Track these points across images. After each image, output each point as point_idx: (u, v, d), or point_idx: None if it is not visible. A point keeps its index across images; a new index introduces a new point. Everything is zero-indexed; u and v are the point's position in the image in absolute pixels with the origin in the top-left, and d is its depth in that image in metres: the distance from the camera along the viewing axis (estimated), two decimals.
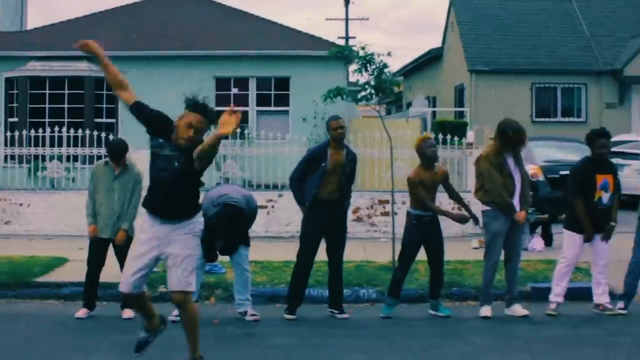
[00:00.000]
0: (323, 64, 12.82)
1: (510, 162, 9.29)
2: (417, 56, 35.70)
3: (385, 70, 11.82)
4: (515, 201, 9.23)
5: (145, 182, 7.18)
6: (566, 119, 27.77)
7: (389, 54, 11.83)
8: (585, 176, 9.39)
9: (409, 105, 32.48)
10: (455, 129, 19.45)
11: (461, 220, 9.40)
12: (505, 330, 8.72)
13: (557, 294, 9.48)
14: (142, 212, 6.89)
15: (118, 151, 9.44)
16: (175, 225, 6.37)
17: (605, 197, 9.35)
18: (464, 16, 30.24)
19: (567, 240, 9.56)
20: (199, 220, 6.56)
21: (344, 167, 9.23)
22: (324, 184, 9.15)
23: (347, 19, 47.52)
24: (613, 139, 21.89)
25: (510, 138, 9.24)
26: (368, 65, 11.74)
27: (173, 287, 6.41)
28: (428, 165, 9.32)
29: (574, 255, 9.49)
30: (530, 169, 15.57)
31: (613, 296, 9.69)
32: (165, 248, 6.38)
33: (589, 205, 9.32)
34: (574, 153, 17.94)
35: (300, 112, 20.56)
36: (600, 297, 9.52)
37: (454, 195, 9.63)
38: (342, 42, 44.79)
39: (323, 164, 9.15)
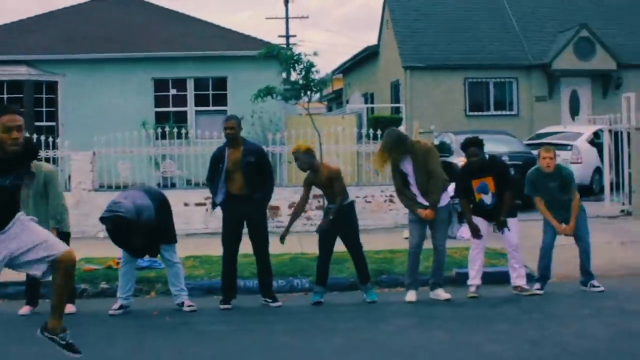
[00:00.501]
0: (259, 64, 13.30)
1: (407, 164, 9.80)
2: (355, 53, 36.30)
3: (313, 69, 12.36)
4: (420, 198, 9.82)
5: None
6: (499, 113, 28.54)
7: (315, 53, 12.42)
8: (463, 182, 10.19)
9: (349, 102, 33.08)
10: (389, 124, 20.07)
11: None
12: (426, 312, 9.31)
13: (472, 277, 10.14)
14: None
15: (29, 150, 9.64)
16: None
17: (487, 198, 10.05)
18: (398, 13, 30.81)
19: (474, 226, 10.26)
20: None
21: (241, 163, 9.68)
22: (230, 182, 9.74)
23: (287, 18, 48.02)
24: (542, 131, 22.90)
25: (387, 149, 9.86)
26: (296, 64, 12.29)
27: None
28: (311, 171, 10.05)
29: (479, 241, 10.14)
30: (460, 160, 16.29)
31: (532, 279, 10.36)
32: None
33: (475, 206, 10.11)
34: (501, 145, 18.77)
35: (237, 111, 20.64)
36: (516, 279, 10.17)
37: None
38: (282, 41, 45.38)
39: (221, 165, 9.76)
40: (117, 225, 9.19)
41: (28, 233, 5.69)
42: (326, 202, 10.43)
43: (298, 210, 10.22)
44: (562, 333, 7.83)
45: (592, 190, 19.61)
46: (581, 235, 10.25)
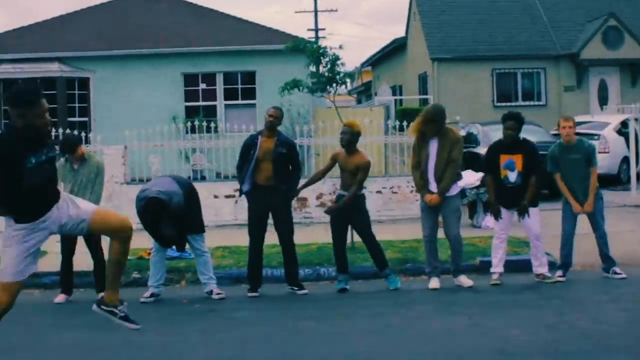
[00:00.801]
0: (286, 58, 13.54)
1: (433, 144, 10.01)
2: (383, 46, 36.48)
3: (338, 62, 12.60)
4: (432, 184, 10.04)
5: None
6: (527, 103, 28.53)
7: (340, 46, 12.65)
8: (491, 156, 10.31)
9: (377, 94, 33.25)
10: (416, 115, 20.23)
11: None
12: (448, 298, 9.52)
13: (495, 265, 10.32)
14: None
15: (69, 144, 10.06)
16: None
17: (512, 175, 10.13)
18: (425, 5, 30.92)
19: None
20: None
21: (272, 153, 9.89)
22: (258, 171, 9.94)
23: (315, 11, 48.33)
24: None
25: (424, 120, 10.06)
26: (321, 58, 12.53)
27: None
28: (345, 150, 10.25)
29: (500, 228, 10.33)
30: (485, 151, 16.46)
31: (554, 267, 10.53)
32: None
33: (497, 183, 10.19)
34: (527, 134, 18.77)
35: (266, 105, 21.05)
36: (538, 268, 10.34)
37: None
38: (311, 35, 45.66)
39: (253, 152, 9.94)
40: (149, 207, 9.44)
41: (72, 202, 5.97)
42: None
43: (315, 177, 10.67)
44: (579, 318, 8.00)
45: (620, 180, 19.66)
46: (597, 221, 10.37)
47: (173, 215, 9.52)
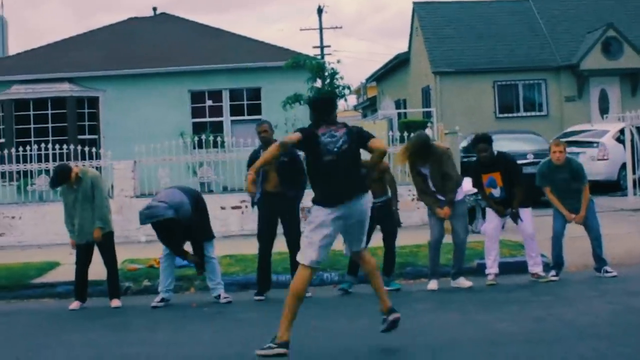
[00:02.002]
0: (290, 74, 14.04)
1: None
2: (387, 61, 36.99)
3: (337, 76, 13.12)
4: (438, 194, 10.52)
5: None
6: (528, 114, 28.99)
7: (338, 61, 13.24)
8: (474, 176, 10.94)
9: (381, 108, 33.74)
10: (418, 127, 20.80)
11: None
12: (445, 298, 9.97)
13: (489, 266, 10.80)
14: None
15: (62, 176, 10.48)
16: None
17: (495, 192, 10.71)
18: (426, 20, 31.45)
19: (487, 217, 10.96)
20: None
21: (275, 163, 10.11)
22: (267, 180, 10.47)
23: (320, 29, 48.80)
24: (570, 129, 23.35)
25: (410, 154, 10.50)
26: (321, 72, 13.06)
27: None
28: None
29: (492, 230, 10.83)
30: None
31: (549, 268, 10.97)
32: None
33: (486, 196, 10.84)
34: (527, 143, 19.36)
35: (271, 119, 21.43)
36: (533, 267, 10.80)
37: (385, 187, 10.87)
38: (317, 52, 46.18)
39: None
40: (160, 226, 10.02)
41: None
42: None
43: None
44: (566, 312, 8.44)
45: (619, 186, 20.03)
46: (590, 223, 10.84)
47: (182, 225, 10.01)
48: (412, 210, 16.06)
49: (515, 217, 10.67)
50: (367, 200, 7.40)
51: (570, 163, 10.83)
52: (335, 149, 7.14)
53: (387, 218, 10.71)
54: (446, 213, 10.40)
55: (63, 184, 10.53)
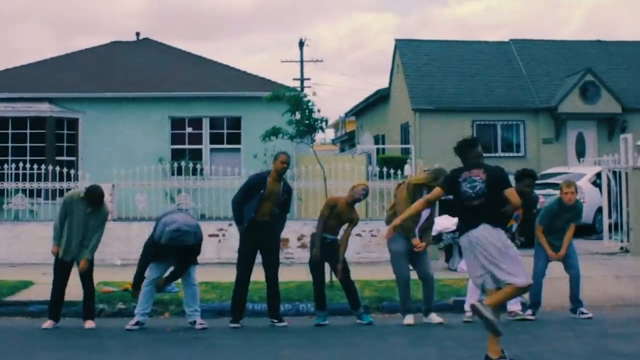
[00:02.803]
0: (270, 105, 14.04)
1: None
2: (367, 96, 37.19)
3: (313, 108, 13.23)
4: (416, 230, 10.53)
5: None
6: (506, 154, 29.19)
7: (314, 93, 13.34)
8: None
9: (359, 142, 33.87)
10: (397, 163, 20.93)
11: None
12: (421, 333, 9.95)
13: (469, 304, 10.72)
14: None
15: (96, 199, 10.43)
16: None
17: (514, 225, 10.64)
18: (408, 57, 31.71)
19: None
20: None
21: (278, 195, 10.55)
22: (260, 208, 10.47)
23: (301, 61, 49.04)
24: (547, 171, 23.53)
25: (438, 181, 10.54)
26: (298, 105, 13.17)
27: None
28: (350, 202, 10.84)
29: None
30: None
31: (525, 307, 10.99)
32: None
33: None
34: None
35: (251, 149, 21.77)
36: (511, 305, 10.80)
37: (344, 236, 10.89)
38: (297, 84, 46.36)
39: (262, 191, 10.45)
40: (186, 252, 10.21)
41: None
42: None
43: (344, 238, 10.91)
44: (543, 351, 8.46)
45: (594, 229, 20.17)
46: (572, 263, 10.93)
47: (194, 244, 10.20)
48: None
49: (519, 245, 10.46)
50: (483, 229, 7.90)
51: (578, 204, 11.06)
52: (473, 195, 7.94)
53: (334, 255, 10.74)
54: (423, 246, 10.49)
55: (94, 206, 10.37)
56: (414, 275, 10.66)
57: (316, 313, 10.83)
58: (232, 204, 10.85)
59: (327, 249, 10.69)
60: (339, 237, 10.88)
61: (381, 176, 17.35)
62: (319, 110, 13.45)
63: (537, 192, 11.74)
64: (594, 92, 29.08)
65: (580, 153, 29.21)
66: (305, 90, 21.43)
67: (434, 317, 10.57)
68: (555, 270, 11.10)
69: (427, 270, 10.61)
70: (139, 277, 10.36)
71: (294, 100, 13.36)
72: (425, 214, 10.48)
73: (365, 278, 12.95)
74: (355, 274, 10.82)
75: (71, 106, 22.77)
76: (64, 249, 10.41)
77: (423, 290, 10.68)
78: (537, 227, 11.03)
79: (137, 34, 29.68)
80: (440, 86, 30.20)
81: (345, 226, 10.88)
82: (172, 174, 18.24)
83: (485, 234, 7.84)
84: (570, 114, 29.04)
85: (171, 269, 10.52)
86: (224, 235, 16.30)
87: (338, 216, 10.75)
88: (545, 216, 11.02)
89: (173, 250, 10.10)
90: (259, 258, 10.73)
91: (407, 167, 18.33)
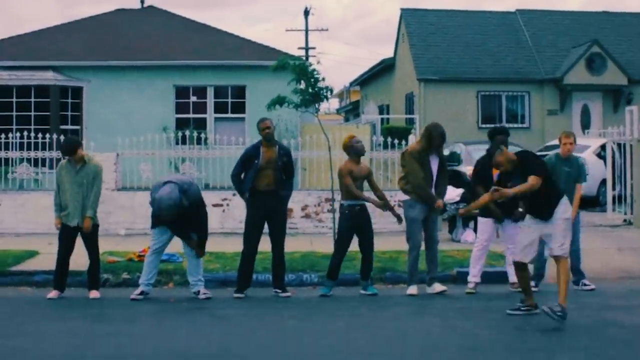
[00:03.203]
0: (274, 74, 13.99)
1: (433, 159, 10.58)
2: (371, 66, 37.06)
3: (318, 76, 13.18)
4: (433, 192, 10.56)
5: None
6: (511, 125, 28.96)
7: (318, 62, 13.27)
8: (482, 169, 10.69)
9: (364, 112, 33.80)
10: (401, 134, 20.89)
11: (381, 206, 10.81)
12: (424, 303, 10.01)
13: (473, 275, 10.80)
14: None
15: (69, 148, 10.50)
16: None
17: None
18: (413, 27, 31.54)
19: (480, 227, 10.92)
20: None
21: (276, 161, 10.49)
22: (260, 178, 10.48)
23: (306, 30, 48.85)
24: (551, 143, 23.49)
25: (433, 138, 10.53)
26: (303, 74, 13.13)
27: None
28: (356, 158, 10.69)
29: (485, 240, 10.80)
30: (468, 169, 17.03)
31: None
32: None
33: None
34: None
35: (255, 119, 21.37)
36: (513, 276, 10.79)
37: (377, 191, 10.89)
38: (302, 53, 46.20)
39: (256, 161, 10.46)
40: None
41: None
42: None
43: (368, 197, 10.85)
44: (546, 322, 8.47)
45: (598, 202, 20.16)
46: (573, 237, 10.84)
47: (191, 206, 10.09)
48: (392, 216, 16.04)
49: (521, 217, 10.05)
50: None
51: (576, 159, 10.93)
52: None
53: (366, 223, 10.71)
54: (440, 205, 10.55)
55: (69, 155, 10.43)
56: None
57: (324, 283, 10.84)
58: (231, 178, 10.89)
59: (357, 216, 10.60)
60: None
61: (385, 146, 17.33)
62: (323, 79, 13.40)
63: None
64: (600, 64, 28.94)
65: (585, 125, 29.11)
66: (310, 60, 21.36)
67: (437, 286, 10.61)
68: None
69: (433, 234, 10.72)
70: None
71: (299, 69, 13.31)
72: (435, 172, 10.57)
73: None
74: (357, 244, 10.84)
75: (75, 75, 22.72)
76: (66, 214, 10.44)
77: (426, 255, 10.72)
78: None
79: (142, 1, 29.54)
80: (446, 56, 30.05)
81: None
82: (177, 143, 18.28)
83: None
84: (576, 85, 28.92)
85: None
86: (228, 205, 16.32)
87: (356, 179, 10.68)
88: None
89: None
90: (265, 228, 10.74)
91: (411, 137, 18.26)
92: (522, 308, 9.02)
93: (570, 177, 10.76)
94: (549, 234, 8.70)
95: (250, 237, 10.59)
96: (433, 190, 10.56)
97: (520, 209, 10.53)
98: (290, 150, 11.73)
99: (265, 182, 10.50)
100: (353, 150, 10.73)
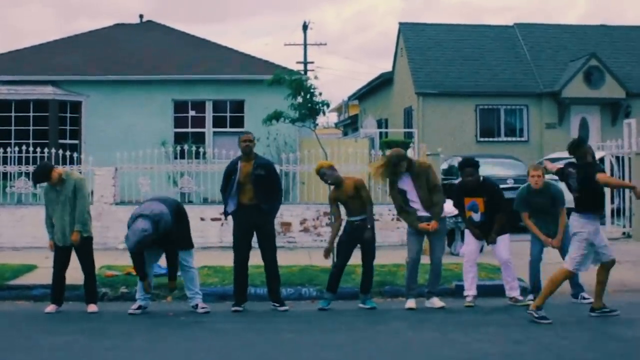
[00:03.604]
0: (272, 88, 14.00)
1: (406, 180, 10.56)
2: (370, 80, 37.11)
3: (314, 91, 13.20)
4: (423, 212, 10.52)
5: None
6: (509, 139, 29.20)
7: (315, 77, 13.27)
8: (456, 198, 11.01)
9: (362, 126, 33.83)
10: (400, 147, 20.84)
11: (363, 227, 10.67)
12: (423, 317, 9.97)
13: (467, 288, 10.84)
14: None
15: (40, 176, 10.52)
16: None
17: (475, 216, 10.80)
18: (412, 41, 31.62)
19: (465, 240, 11.06)
20: None
21: (251, 175, 10.42)
22: (242, 193, 10.51)
23: (305, 44, 48.94)
24: (550, 156, 23.52)
25: (389, 160, 10.56)
26: (299, 89, 13.15)
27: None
28: (335, 186, 10.82)
29: (470, 252, 10.90)
30: None
31: (527, 292, 11.01)
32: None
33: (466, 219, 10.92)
34: (507, 168, 19.51)
35: (254, 133, 21.56)
36: (510, 291, 10.84)
37: (364, 204, 10.72)
38: (300, 67, 46.26)
39: (234, 177, 10.49)
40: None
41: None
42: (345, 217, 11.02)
43: (337, 225, 10.89)
44: (545, 335, 8.48)
45: None
46: (567, 249, 10.86)
47: (162, 235, 9.96)
48: (391, 229, 16.09)
49: (493, 242, 10.76)
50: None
51: (549, 188, 10.90)
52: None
53: (367, 236, 10.71)
54: (433, 226, 10.40)
55: (43, 182, 10.51)
56: (425, 259, 10.72)
57: (324, 295, 10.80)
58: (220, 193, 10.93)
59: (356, 231, 10.57)
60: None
61: None
62: (320, 94, 13.42)
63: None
64: (598, 77, 29.01)
65: (584, 138, 29.10)
66: (308, 74, 21.47)
67: (436, 302, 10.58)
68: (555, 256, 11.07)
69: (437, 255, 10.65)
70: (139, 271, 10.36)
71: (295, 84, 13.35)
72: (412, 193, 10.48)
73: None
74: (357, 258, 10.81)
75: (74, 89, 22.75)
76: (57, 235, 10.47)
77: (430, 271, 10.71)
78: (522, 215, 11.02)
79: (141, 16, 29.62)
80: (444, 70, 30.14)
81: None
82: (175, 158, 18.26)
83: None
84: (574, 99, 28.99)
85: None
86: (226, 219, 16.25)
87: (345, 202, 10.68)
88: (518, 202, 11.02)
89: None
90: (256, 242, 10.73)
91: (409, 151, 18.26)
92: (605, 311, 9.67)
93: (544, 208, 10.88)
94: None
95: (239, 250, 10.61)
96: (422, 210, 10.51)
97: (493, 234, 10.69)
98: (274, 163, 11.63)
99: (248, 197, 10.51)
100: (323, 180, 10.82)
